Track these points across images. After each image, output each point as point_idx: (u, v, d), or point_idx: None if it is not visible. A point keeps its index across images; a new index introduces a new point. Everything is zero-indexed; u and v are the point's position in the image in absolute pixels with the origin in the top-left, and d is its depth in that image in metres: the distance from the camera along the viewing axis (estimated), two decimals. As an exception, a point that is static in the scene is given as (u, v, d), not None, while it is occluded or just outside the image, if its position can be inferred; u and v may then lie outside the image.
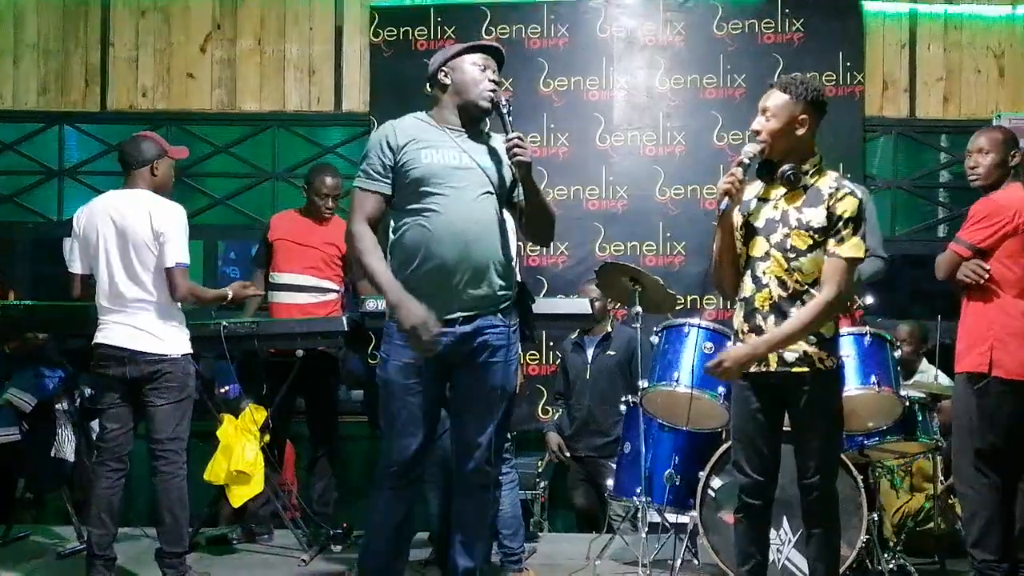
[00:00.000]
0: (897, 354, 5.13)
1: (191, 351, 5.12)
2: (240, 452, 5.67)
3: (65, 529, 6.13)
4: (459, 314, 4.09)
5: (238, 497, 5.73)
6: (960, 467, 4.95)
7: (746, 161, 4.08)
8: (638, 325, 5.52)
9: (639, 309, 5.51)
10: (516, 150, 4.06)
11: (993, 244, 4.83)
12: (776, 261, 4.08)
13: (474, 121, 4.24)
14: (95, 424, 6.09)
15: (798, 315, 4.01)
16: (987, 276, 4.82)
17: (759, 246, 4.13)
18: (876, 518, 5.21)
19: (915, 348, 6.61)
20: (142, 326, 4.96)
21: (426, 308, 3.95)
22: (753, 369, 4.10)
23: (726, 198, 4.04)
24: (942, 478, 5.62)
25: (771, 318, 4.08)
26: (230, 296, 5.31)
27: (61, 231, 8.46)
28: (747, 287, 4.16)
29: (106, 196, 5.16)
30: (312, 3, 8.00)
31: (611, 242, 7.65)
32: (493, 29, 7.74)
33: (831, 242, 4.02)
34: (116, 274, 4.99)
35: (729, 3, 7.70)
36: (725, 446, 5.23)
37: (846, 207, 4.02)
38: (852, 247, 4.02)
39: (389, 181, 4.14)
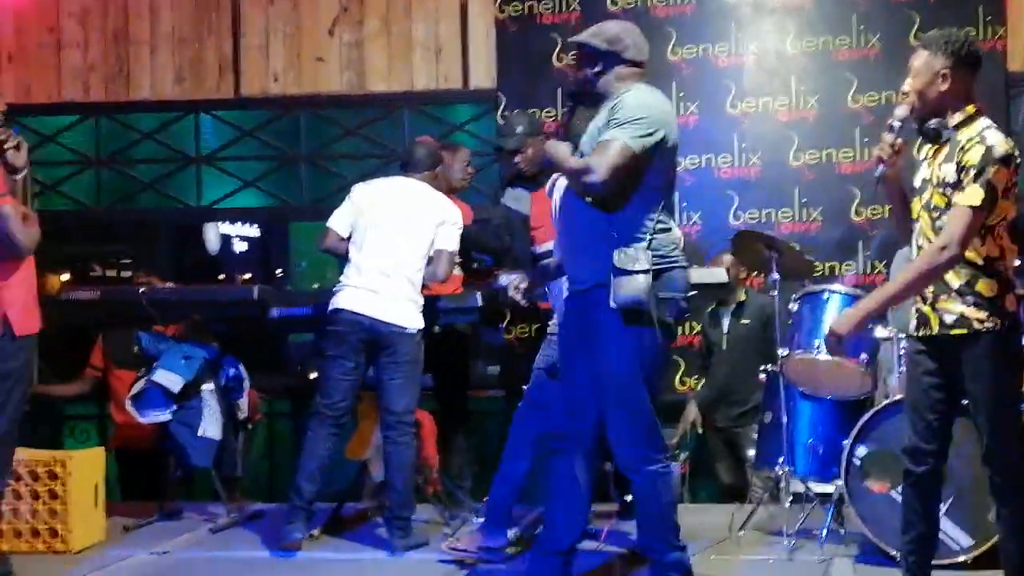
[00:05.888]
0: None
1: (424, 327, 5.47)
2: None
3: (215, 506, 6.28)
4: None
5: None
6: None
7: (896, 124, 4.00)
8: (775, 293, 5.46)
9: (776, 276, 5.44)
10: None
11: None
12: (924, 222, 4.01)
13: None
14: (242, 403, 6.26)
15: (909, 265, 3.95)
16: None
17: (915, 208, 4.07)
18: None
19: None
20: (390, 297, 5.34)
21: None
22: (921, 332, 4.03)
23: (880, 164, 3.99)
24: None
25: None
26: None
27: (201, 216, 8.79)
28: (914, 251, 4.09)
29: (395, 180, 5.65)
30: (437, -18, 8.04)
31: (745, 210, 7.53)
32: (618, -1, 7.66)
33: (957, 195, 3.88)
34: (384, 245, 5.39)
35: (861, -39, 7.49)
36: (869, 413, 5.13)
37: (971, 156, 3.85)
38: (969, 194, 3.83)
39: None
